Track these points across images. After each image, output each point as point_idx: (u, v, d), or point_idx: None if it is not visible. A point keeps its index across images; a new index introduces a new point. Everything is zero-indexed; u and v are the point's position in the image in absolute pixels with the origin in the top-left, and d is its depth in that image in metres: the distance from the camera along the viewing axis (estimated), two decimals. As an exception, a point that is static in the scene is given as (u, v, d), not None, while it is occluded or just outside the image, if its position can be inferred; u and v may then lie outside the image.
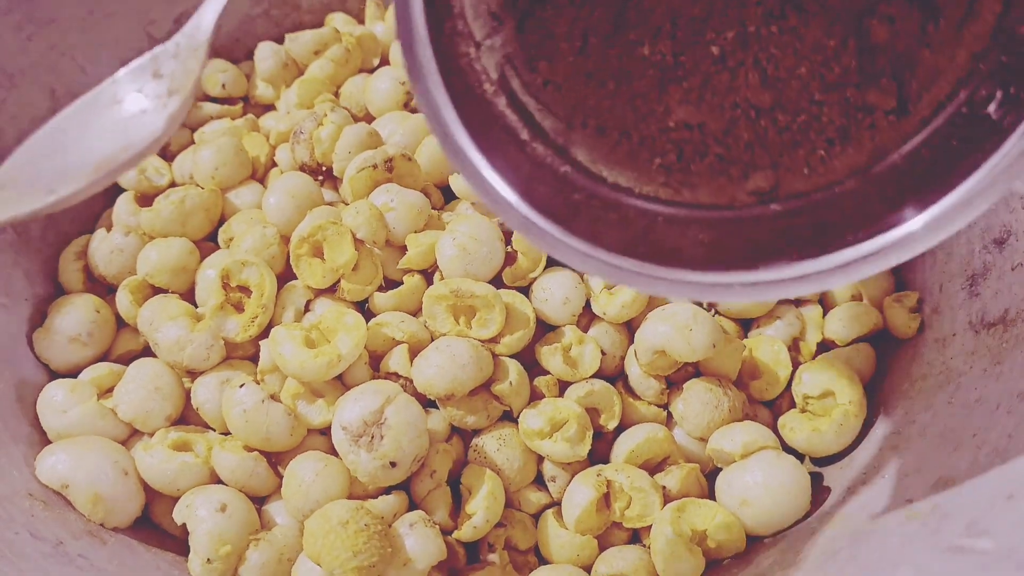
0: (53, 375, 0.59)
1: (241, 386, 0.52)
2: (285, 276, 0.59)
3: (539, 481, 0.54)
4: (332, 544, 0.46)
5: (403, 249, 0.58)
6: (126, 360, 0.59)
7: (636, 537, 0.53)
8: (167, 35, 0.74)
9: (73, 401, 0.54)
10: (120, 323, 0.61)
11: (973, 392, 0.51)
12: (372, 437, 0.49)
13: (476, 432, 0.54)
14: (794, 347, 0.58)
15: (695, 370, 0.56)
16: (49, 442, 0.54)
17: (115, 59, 0.71)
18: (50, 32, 0.67)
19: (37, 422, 0.55)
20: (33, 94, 0.66)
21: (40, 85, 0.66)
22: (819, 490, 0.53)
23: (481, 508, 0.50)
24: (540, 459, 0.54)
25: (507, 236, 0.58)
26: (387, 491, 0.51)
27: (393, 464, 0.48)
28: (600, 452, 0.55)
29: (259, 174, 0.66)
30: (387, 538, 0.48)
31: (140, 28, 0.72)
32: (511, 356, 0.55)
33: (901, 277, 0.62)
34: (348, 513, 0.47)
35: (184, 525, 0.50)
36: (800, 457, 0.55)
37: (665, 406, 0.56)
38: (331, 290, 0.58)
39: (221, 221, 0.63)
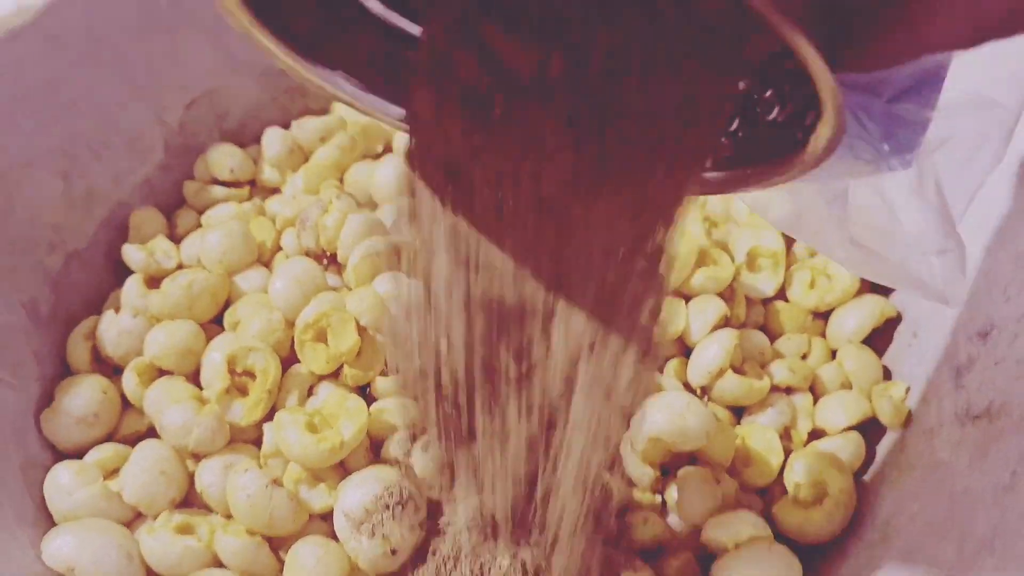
0: (59, 455, 0.60)
1: (246, 471, 0.53)
2: (289, 360, 0.60)
3: (537, 567, 0.55)
4: (332, 630, 0.47)
5: (405, 335, 0.60)
6: (131, 440, 0.60)
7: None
8: (179, 122, 0.77)
9: (80, 483, 0.55)
10: (125, 403, 0.62)
11: (959, 483, 0.52)
12: (373, 524, 0.50)
13: (475, 518, 0.55)
14: (785, 435, 0.59)
15: (689, 458, 0.57)
16: (55, 524, 0.55)
17: (128, 145, 0.73)
18: (67, 119, 0.69)
19: (43, 503, 0.56)
20: (47, 178, 0.68)
21: (54, 169, 0.69)
22: (811, 579, 0.54)
23: (479, 595, 0.51)
24: (538, 545, 0.55)
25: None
26: (387, 577, 0.52)
27: (394, 551, 0.50)
28: (596, 538, 0.56)
29: (265, 258, 0.68)
30: (386, 625, 0.49)
31: (153, 116, 0.75)
32: (510, 442, 0.56)
33: (889, 367, 0.63)
34: (348, 599, 0.48)
35: (186, 610, 0.51)
36: (792, 544, 0.56)
37: (660, 492, 0.57)
38: (334, 374, 0.59)
39: (227, 303, 0.65)
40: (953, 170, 0.43)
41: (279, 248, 0.69)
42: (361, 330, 0.58)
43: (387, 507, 0.50)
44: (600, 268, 0.37)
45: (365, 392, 0.59)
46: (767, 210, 0.47)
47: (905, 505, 0.54)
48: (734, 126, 0.38)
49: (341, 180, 0.73)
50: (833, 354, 0.64)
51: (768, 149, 0.35)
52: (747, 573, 0.51)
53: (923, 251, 0.44)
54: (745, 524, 0.53)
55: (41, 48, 0.67)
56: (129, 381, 0.61)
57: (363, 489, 0.51)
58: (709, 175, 0.38)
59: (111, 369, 0.64)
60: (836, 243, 0.46)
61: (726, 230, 0.68)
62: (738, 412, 0.61)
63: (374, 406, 0.57)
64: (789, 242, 0.67)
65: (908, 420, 0.59)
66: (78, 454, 0.59)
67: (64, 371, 0.64)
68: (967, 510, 0.50)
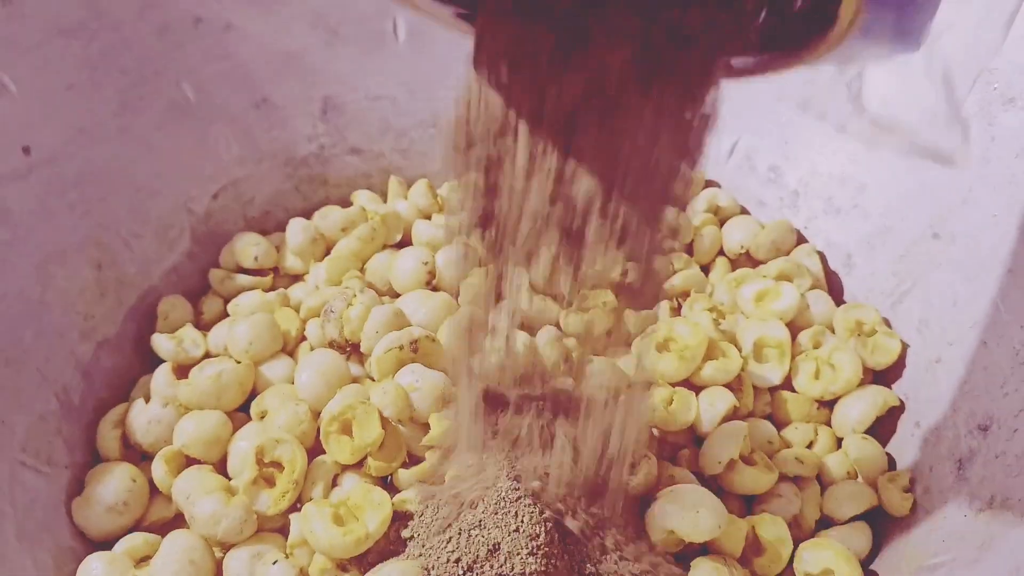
0: (88, 543, 0.61)
1: (274, 563, 0.55)
2: (314, 449, 0.62)
3: (555, 657, 0.56)
4: None
5: (426, 427, 0.62)
6: (158, 527, 0.62)
7: None
8: (205, 211, 0.79)
9: (111, 573, 0.57)
10: (152, 489, 0.64)
11: (963, 575, 0.53)
12: (399, 617, 0.51)
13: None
14: (794, 524, 0.61)
15: (702, 547, 0.59)
16: (87, 614, 0.57)
17: (157, 234, 0.76)
18: (100, 210, 0.72)
19: (75, 593, 0.58)
20: (80, 267, 0.71)
21: (87, 259, 0.71)
22: (822, 668, 0.56)
23: None
24: (557, 637, 0.56)
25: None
26: (410, 667, 0.53)
27: (418, 644, 0.51)
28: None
29: (289, 347, 0.70)
30: None
31: (181, 205, 0.78)
32: (528, 533, 0.58)
33: (893, 454, 0.65)
34: None
35: None
36: (803, 634, 0.57)
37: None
38: (358, 464, 0.61)
39: (253, 392, 0.67)
40: (958, 53, 0.48)
41: (303, 337, 0.71)
42: (384, 422, 0.60)
43: (411, 599, 0.52)
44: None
45: (387, 481, 0.61)
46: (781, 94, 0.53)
47: (911, 596, 0.56)
48: (762, 17, 0.42)
49: (362, 270, 0.76)
50: (839, 442, 0.66)
51: (793, 36, 0.40)
52: (760, 666, 0.53)
53: (931, 123, 0.49)
54: (757, 614, 0.55)
55: (74, 141, 0.70)
56: (158, 469, 0.63)
57: (388, 581, 0.52)
58: (739, 61, 0.42)
59: (138, 455, 0.66)
60: (847, 118, 0.52)
61: (733, 320, 0.70)
62: (748, 499, 0.63)
63: (396, 497, 0.59)
64: (794, 332, 0.70)
65: (913, 509, 0.61)
66: (107, 541, 0.61)
67: (93, 458, 0.66)
68: (971, 603, 0.51)
